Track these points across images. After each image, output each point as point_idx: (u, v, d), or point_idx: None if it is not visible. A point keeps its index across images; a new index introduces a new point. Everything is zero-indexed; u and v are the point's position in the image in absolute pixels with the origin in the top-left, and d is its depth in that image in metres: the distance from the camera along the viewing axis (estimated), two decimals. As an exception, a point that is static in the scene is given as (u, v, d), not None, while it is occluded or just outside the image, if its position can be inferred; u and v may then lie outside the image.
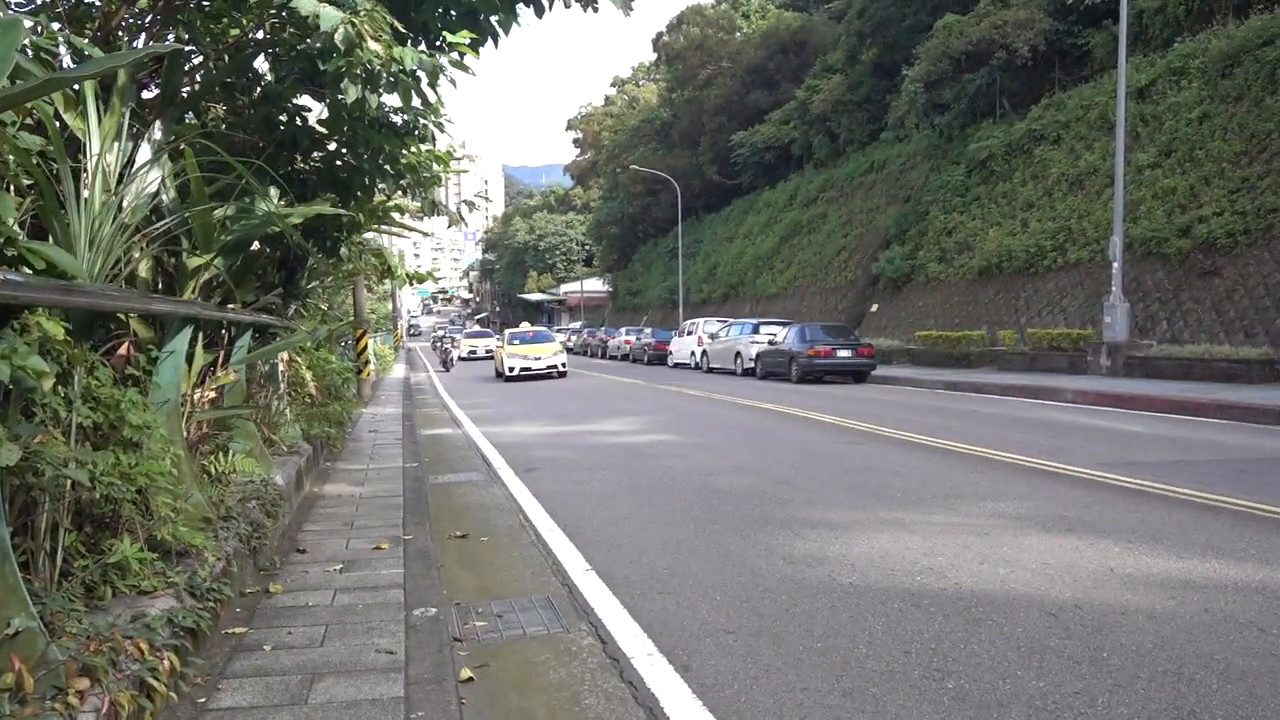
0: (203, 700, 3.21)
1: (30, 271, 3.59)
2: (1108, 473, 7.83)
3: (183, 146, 5.27)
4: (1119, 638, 3.93)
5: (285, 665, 3.55)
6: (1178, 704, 3.26)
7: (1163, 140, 20.96)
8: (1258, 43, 19.45)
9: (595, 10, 6.73)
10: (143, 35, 6.06)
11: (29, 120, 4.44)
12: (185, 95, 6.30)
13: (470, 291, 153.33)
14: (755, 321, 26.73)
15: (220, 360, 6.02)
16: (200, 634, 3.50)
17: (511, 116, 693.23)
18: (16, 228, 3.70)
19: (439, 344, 38.11)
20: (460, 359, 40.18)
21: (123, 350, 4.72)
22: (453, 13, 6.37)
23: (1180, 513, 6.28)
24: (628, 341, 38.83)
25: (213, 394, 5.85)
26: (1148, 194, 20.32)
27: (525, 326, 33.30)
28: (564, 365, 26.26)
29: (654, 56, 68.72)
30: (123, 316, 4.81)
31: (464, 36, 6.11)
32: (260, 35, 6.49)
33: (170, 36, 6.08)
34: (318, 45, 4.97)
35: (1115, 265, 17.56)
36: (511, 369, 25.97)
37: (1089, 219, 21.99)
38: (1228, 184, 18.49)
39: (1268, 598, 4.41)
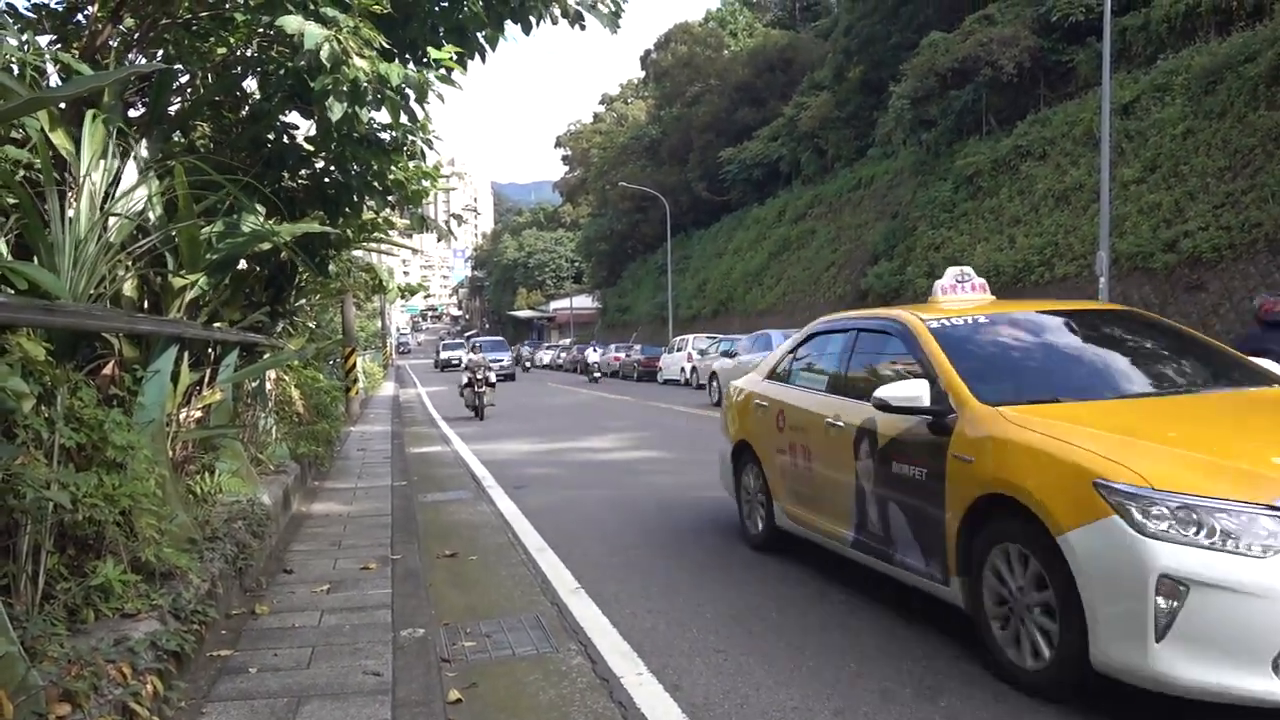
0: (186, 725, 3.16)
1: (12, 292, 3.56)
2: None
3: (174, 164, 5.25)
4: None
5: (271, 688, 3.50)
6: None
7: (1147, 156, 21.13)
8: (1240, 59, 19.64)
9: (583, 28, 6.76)
10: (132, 52, 6.05)
11: (15, 136, 4.43)
12: (173, 114, 6.28)
13: (460, 309, 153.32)
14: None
15: (206, 379, 5.97)
16: (184, 657, 3.46)
17: (500, 134, 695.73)
18: (1, 247, 3.68)
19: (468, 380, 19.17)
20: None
21: (108, 370, 4.68)
22: (440, 29, 6.39)
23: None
24: (616, 359, 38.61)
25: (199, 413, 5.80)
26: (1133, 209, 20.47)
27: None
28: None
29: (642, 74, 69.19)
30: (108, 336, 4.77)
31: (449, 52, 6.13)
32: (248, 53, 6.48)
33: (159, 54, 6.07)
34: (302, 63, 4.97)
35: (1102, 280, 17.64)
36: None
37: (1075, 234, 22.12)
38: (1212, 199, 18.64)
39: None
